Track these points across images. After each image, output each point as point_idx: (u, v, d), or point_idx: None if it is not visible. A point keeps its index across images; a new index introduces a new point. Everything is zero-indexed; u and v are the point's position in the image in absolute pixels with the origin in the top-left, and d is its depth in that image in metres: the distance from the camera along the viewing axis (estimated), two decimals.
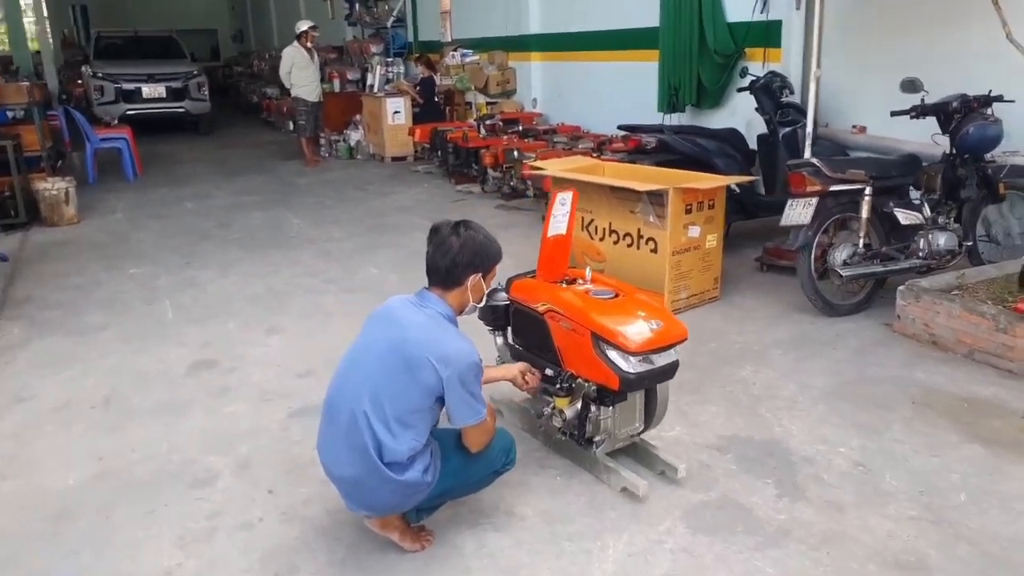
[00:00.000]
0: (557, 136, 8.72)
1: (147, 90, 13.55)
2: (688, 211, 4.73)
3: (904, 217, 4.75)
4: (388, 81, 11.78)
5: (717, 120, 7.56)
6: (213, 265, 6.26)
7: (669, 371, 2.99)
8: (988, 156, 5.06)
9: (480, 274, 2.67)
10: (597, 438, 3.08)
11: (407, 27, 14.25)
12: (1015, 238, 5.27)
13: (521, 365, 3.17)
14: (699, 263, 4.91)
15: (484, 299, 2.80)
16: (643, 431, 3.21)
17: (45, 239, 7.22)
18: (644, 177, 5.16)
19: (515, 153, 7.87)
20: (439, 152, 9.34)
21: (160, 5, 26.23)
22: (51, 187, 7.61)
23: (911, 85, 5.09)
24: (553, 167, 5.47)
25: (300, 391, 3.96)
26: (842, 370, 4.07)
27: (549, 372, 3.20)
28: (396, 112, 10.68)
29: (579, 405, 3.09)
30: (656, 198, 4.69)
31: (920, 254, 4.83)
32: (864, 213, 4.63)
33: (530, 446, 3.38)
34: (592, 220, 5.15)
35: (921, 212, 4.86)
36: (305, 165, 10.89)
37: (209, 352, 4.53)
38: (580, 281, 3.23)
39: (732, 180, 4.98)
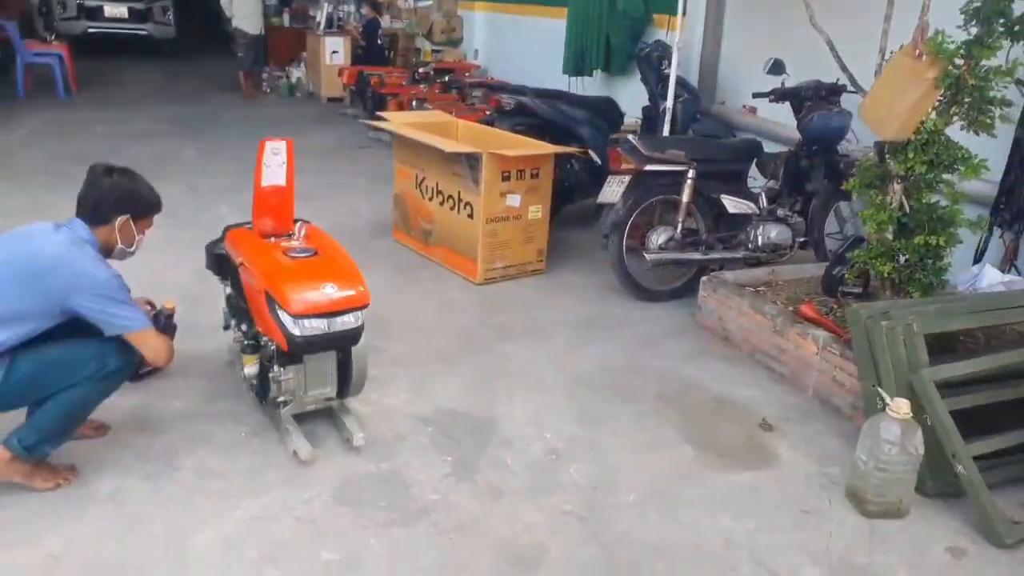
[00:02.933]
0: (477, 91, 8.47)
1: (109, 8, 13.33)
2: (506, 178, 4.56)
3: (732, 205, 4.57)
4: (338, 20, 11.51)
5: (628, 88, 7.31)
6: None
7: (348, 337, 2.88)
8: (841, 149, 4.85)
9: (129, 217, 2.69)
10: (280, 398, 2.99)
11: None
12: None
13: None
14: (520, 234, 4.75)
15: (136, 246, 2.78)
16: (338, 396, 3.11)
17: None
18: (487, 141, 4.99)
19: (417, 103, 7.67)
20: (362, 96, 9.15)
21: None
22: None
23: (776, 67, 4.88)
24: (396, 120, 5.29)
25: None
26: (615, 356, 3.94)
27: (244, 328, 3.12)
28: (335, 52, 10.47)
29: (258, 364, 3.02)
30: (475, 162, 4.53)
31: (749, 245, 4.66)
32: (685, 197, 4.43)
33: (243, 400, 3.30)
34: (424, 179, 4.99)
35: (756, 202, 4.67)
36: (244, 99, 10.74)
37: None
38: (292, 236, 3.12)
39: (558, 150, 4.78)
